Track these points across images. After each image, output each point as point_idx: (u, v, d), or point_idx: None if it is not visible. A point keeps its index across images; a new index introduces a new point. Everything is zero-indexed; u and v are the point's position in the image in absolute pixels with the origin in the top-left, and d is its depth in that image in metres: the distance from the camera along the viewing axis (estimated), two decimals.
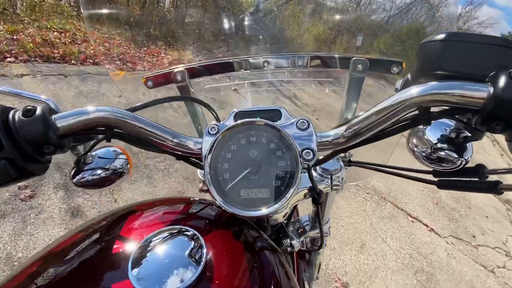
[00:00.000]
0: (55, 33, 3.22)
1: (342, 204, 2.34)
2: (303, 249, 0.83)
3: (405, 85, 0.36)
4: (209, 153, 0.33)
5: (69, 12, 4.08)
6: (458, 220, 2.90)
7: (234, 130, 0.33)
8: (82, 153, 0.37)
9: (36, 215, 1.32)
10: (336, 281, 1.62)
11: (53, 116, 0.31)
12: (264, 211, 0.31)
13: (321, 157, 0.39)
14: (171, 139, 0.35)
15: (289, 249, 0.63)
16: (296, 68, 0.57)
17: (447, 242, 2.44)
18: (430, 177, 0.39)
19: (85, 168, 0.38)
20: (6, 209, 1.30)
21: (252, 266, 0.33)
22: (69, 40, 3.15)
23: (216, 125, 0.35)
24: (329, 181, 0.50)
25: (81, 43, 3.25)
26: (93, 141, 0.36)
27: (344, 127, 0.33)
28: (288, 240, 0.54)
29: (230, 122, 0.36)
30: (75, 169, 0.38)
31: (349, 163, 0.51)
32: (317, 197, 0.46)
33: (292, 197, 0.31)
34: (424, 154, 0.39)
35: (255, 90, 0.70)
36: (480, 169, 0.32)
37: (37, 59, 2.60)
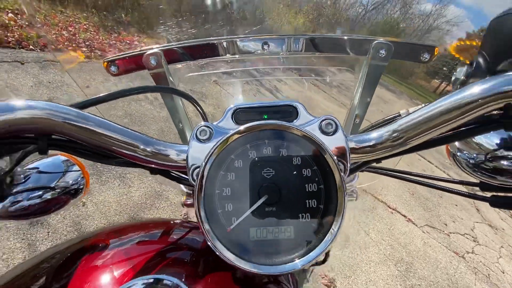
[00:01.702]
0: (10, 14, 2.84)
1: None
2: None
3: (473, 74, 0.28)
4: (202, 175, 0.23)
5: None
6: (432, 209, 3.04)
7: (239, 138, 0.24)
8: (6, 169, 0.25)
9: None
10: (323, 277, 1.60)
11: None
12: (288, 266, 0.22)
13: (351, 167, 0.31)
14: (142, 147, 0.25)
15: None
16: (302, 53, 0.47)
17: (423, 232, 2.54)
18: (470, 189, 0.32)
19: (14, 191, 0.27)
20: None
21: None
22: (25, 23, 2.80)
23: (207, 126, 0.25)
24: None
25: (41, 27, 2.91)
26: (20, 153, 0.24)
27: (390, 128, 0.25)
28: None
29: (229, 125, 0.26)
30: None
31: (380, 171, 0.43)
32: None
33: (336, 237, 0.23)
34: (472, 161, 0.32)
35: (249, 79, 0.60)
36: None
37: None
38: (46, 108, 0.22)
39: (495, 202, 0.28)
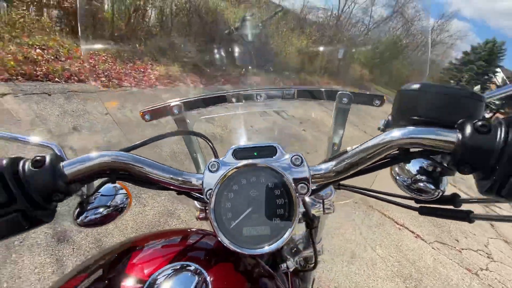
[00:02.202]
0: (38, 50, 3.16)
1: (331, 215, 2.39)
2: (298, 268, 0.84)
3: (387, 125, 0.39)
4: (214, 195, 0.34)
5: (51, 28, 4.02)
6: (442, 225, 3.01)
7: (237, 171, 0.36)
8: (86, 194, 0.38)
9: (21, 242, 1.27)
10: None
11: (61, 164, 0.33)
12: (266, 248, 0.33)
13: (314, 187, 0.42)
14: (172, 176, 0.37)
15: (284, 269, 0.65)
16: (285, 100, 0.61)
17: (433, 248, 2.52)
18: (411, 203, 0.43)
19: (88, 208, 0.39)
20: None
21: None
22: (52, 57, 3.10)
23: (216, 162, 0.37)
24: (321, 205, 0.54)
25: (65, 60, 3.21)
26: (96, 181, 0.37)
27: (334, 162, 0.36)
28: (285, 264, 0.56)
29: (230, 160, 0.38)
30: (78, 210, 0.39)
31: (339, 186, 0.54)
32: (311, 222, 0.49)
33: (291, 233, 0.34)
34: (405, 183, 0.43)
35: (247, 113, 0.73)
36: (455, 198, 0.36)
37: (19, 77, 2.53)
38: (114, 156, 0.34)
39: (422, 212, 0.39)
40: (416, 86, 0.33)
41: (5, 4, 4.04)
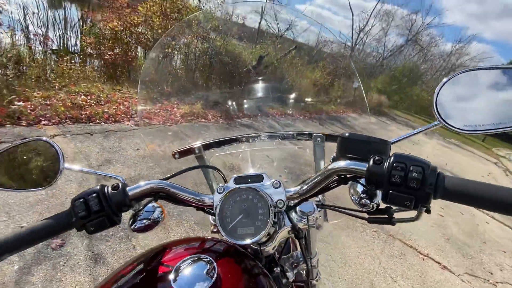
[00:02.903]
0: (82, 96, 3.68)
1: (349, 244, 2.38)
2: (300, 284, 0.94)
3: (333, 160, 0.55)
4: (218, 207, 0.51)
5: (93, 77, 4.65)
6: (473, 256, 2.84)
7: (233, 191, 0.52)
8: (138, 209, 0.56)
9: (65, 262, 1.47)
10: None
11: (127, 188, 0.51)
12: (248, 241, 0.48)
13: (292, 204, 0.57)
14: (193, 197, 0.54)
15: (284, 280, 0.76)
16: (277, 139, 0.79)
17: (462, 280, 2.39)
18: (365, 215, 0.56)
19: (138, 219, 0.57)
20: (39, 257, 1.46)
21: (247, 282, 0.49)
22: (94, 102, 3.59)
23: (222, 186, 0.54)
24: (306, 220, 0.67)
25: (104, 104, 3.68)
26: (145, 201, 0.55)
27: (299, 187, 0.52)
28: (278, 268, 0.68)
29: (231, 184, 0.55)
30: (132, 219, 0.57)
31: (322, 206, 0.68)
32: (297, 233, 0.63)
33: (267, 232, 0.48)
34: (355, 200, 0.57)
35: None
36: (388, 209, 0.50)
37: (67, 120, 2.97)
38: (156, 183, 0.52)
39: (369, 221, 0.52)
40: (347, 135, 0.49)
41: (55, 58, 4.80)
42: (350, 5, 16.55)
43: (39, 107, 3.04)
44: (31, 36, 4.73)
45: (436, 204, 3.93)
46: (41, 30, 4.99)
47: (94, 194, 0.46)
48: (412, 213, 0.44)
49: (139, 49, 6.31)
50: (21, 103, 2.96)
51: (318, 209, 0.69)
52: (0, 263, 1.36)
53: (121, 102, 3.87)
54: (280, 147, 0.83)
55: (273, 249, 0.64)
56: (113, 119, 3.35)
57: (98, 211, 0.46)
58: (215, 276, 0.44)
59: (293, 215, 0.66)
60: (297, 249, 0.95)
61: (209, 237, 0.61)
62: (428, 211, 0.40)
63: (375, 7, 16.90)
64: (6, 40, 3.98)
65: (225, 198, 0.51)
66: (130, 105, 3.86)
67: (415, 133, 0.54)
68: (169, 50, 5.64)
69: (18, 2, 4.90)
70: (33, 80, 3.73)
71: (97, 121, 3.17)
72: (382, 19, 17.60)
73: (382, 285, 2.02)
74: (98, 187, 0.48)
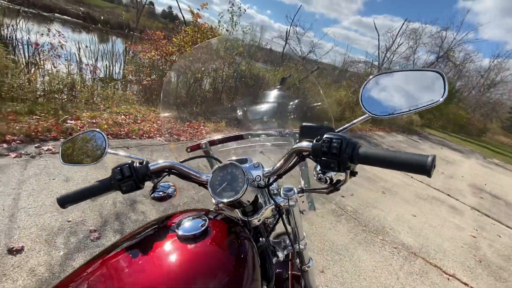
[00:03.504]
0: (122, 116, 4.17)
1: (365, 258, 2.36)
2: (296, 273, 1.05)
3: (300, 140, 0.70)
4: (210, 178, 0.67)
5: (132, 100, 5.23)
6: (508, 279, 2.61)
7: (221, 167, 0.69)
8: (157, 182, 0.75)
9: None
10: None
11: (149, 165, 0.71)
12: (231, 199, 0.62)
13: (271, 180, 0.72)
14: (196, 175, 0.72)
15: (274, 259, 0.89)
16: (268, 137, 0.96)
17: None
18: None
19: (156, 190, 0.76)
20: (80, 246, 1.71)
21: (231, 236, 0.65)
22: (131, 121, 4.05)
23: (216, 167, 0.71)
24: (287, 201, 0.81)
25: (140, 122, 4.13)
26: (162, 176, 0.74)
27: (272, 166, 0.67)
28: (264, 239, 0.81)
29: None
30: (152, 190, 0.76)
31: (302, 190, 0.82)
32: (279, 209, 0.77)
33: (242, 193, 0.62)
34: (316, 178, 0.70)
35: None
36: (338, 182, 0.63)
37: (109, 136, 3.40)
38: (170, 162, 0.72)
39: (328, 192, 0.65)
40: (304, 124, 0.65)
41: (102, 84, 5.50)
42: (375, 25, 16.68)
43: (87, 125, 3.53)
44: (83, 66, 5.53)
45: (469, 225, 3.68)
46: (91, 61, 5.81)
47: (127, 165, 0.67)
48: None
49: (172, 74, 6.97)
50: (72, 121, 3.47)
51: (298, 193, 0.83)
52: (48, 250, 1.62)
53: (154, 121, 4.31)
54: (267, 143, 0.99)
55: (258, 222, 0.78)
56: (147, 135, 3.75)
57: (129, 176, 0.66)
58: (207, 226, 0.60)
59: (278, 198, 0.80)
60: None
61: (211, 209, 0.78)
62: (353, 174, 0.54)
63: (401, 26, 16.82)
64: (63, 70, 4.71)
65: (216, 172, 0.69)
66: (163, 124, 4.29)
67: (355, 123, 0.67)
68: (199, 75, 6.14)
69: (75, 38, 5.80)
70: (83, 102, 4.33)
71: (133, 137, 3.57)
72: (409, 37, 17.38)
73: None
74: (129, 161, 0.69)
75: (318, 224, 2.69)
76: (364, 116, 0.63)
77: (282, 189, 0.82)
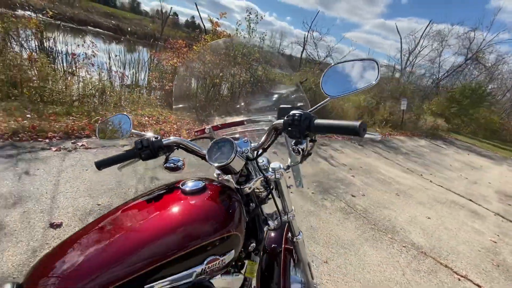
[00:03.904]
0: (146, 118, 4.52)
1: (372, 253, 2.41)
2: (289, 247, 1.18)
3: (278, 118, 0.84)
4: (207, 149, 0.83)
5: (155, 104, 5.62)
6: None
7: (216, 141, 0.84)
8: (168, 154, 0.93)
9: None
10: None
11: (162, 139, 0.89)
12: (222, 163, 0.77)
13: (258, 153, 0.87)
14: (199, 149, 0.89)
15: (265, 228, 1.03)
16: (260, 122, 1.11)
17: None
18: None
19: (168, 161, 0.93)
20: None
21: (223, 195, 0.80)
22: (154, 122, 4.38)
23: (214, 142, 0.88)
24: (274, 174, 0.96)
25: (161, 123, 4.45)
26: (172, 150, 0.92)
27: (258, 142, 0.83)
28: (254, 204, 0.96)
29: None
30: (164, 161, 0.94)
31: (287, 167, 0.96)
32: (266, 181, 0.92)
33: (231, 160, 0.77)
34: (291, 150, 0.84)
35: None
36: (309, 154, 0.77)
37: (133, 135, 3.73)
38: (179, 139, 0.89)
39: (300, 161, 0.79)
40: (282, 106, 0.80)
41: (128, 89, 5.95)
42: (397, 28, 16.32)
43: None
44: (113, 74, 6.03)
45: (490, 230, 3.55)
46: (120, 69, 6.31)
47: (146, 139, 0.86)
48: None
49: (192, 80, 7.34)
50: None
51: (284, 169, 0.98)
52: (81, 226, 1.87)
53: (175, 122, 4.62)
54: (264, 127, 1.14)
55: (249, 190, 0.93)
56: (167, 135, 4.04)
57: (147, 146, 0.84)
58: (205, 185, 0.78)
59: (268, 173, 0.95)
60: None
61: (213, 178, 0.94)
62: (312, 141, 0.69)
63: (426, 28, 16.30)
64: (95, 77, 5.19)
65: (212, 145, 0.85)
66: (182, 125, 4.58)
67: (321, 105, 0.80)
68: (217, 81, 6.43)
69: (106, 48, 6.35)
70: (112, 106, 4.75)
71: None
72: (434, 39, 16.76)
73: None
74: (147, 136, 0.87)
75: (325, 220, 2.77)
76: (326, 99, 0.78)
77: (271, 165, 0.97)
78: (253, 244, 0.92)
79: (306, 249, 1.22)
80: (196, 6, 11.38)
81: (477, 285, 2.34)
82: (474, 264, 2.65)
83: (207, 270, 0.71)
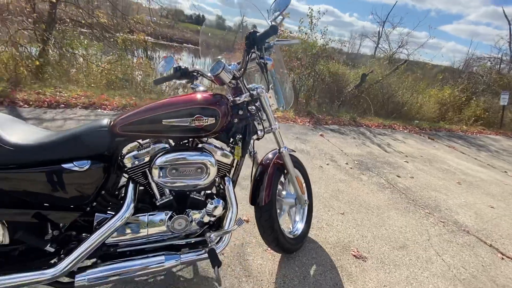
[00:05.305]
0: None
1: (397, 218, 2.44)
2: (279, 161, 1.57)
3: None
4: (209, 69, 1.35)
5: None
6: None
7: (214, 63, 1.34)
8: (192, 78, 1.50)
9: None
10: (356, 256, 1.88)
11: (188, 68, 1.46)
12: (215, 73, 1.23)
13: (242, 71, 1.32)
14: (209, 74, 1.42)
15: (255, 136, 1.45)
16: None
17: None
18: None
19: (193, 84, 1.50)
20: None
21: (223, 96, 1.28)
22: None
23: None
24: (256, 91, 1.38)
25: None
26: (195, 76, 1.49)
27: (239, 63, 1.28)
28: (242, 112, 1.40)
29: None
30: (190, 82, 1.51)
31: (268, 89, 1.38)
32: (251, 95, 1.36)
33: (220, 72, 1.21)
34: (256, 62, 1.26)
35: None
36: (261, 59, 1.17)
37: None
38: (191, 67, 1.45)
39: (263, 70, 1.20)
40: (253, 30, 1.23)
41: None
42: (505, 13, 13.38)
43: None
44: None
45: None
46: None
47: (178, 66, 1.45)
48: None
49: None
50: None
51: (264, 90, 1.39)
52: None
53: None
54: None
55: (239, 101, 1.35)
56: None
57: (179, 69, 1.43)
58: (204, 89, 1.29)
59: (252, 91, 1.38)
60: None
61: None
62: (266, 49, 1.12)
63: None
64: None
65: (212, 65, 1.33)
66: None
67: (290, 43, 1.22)
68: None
69: (188, 58, 7.79)
70: None
71: None
72: None
73: (419, 252, 2.04)
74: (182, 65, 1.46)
75: (355, 187, 2.90)
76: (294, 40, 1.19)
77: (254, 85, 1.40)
78: (240, 136, 1.35)
79: (290, 161, 1.58)
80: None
81: None
82: None
83: (194, 123, 1.16)
